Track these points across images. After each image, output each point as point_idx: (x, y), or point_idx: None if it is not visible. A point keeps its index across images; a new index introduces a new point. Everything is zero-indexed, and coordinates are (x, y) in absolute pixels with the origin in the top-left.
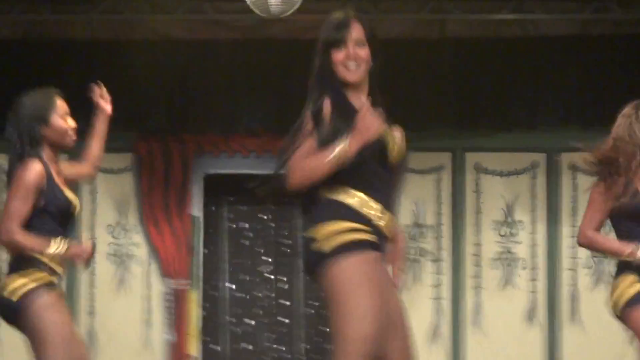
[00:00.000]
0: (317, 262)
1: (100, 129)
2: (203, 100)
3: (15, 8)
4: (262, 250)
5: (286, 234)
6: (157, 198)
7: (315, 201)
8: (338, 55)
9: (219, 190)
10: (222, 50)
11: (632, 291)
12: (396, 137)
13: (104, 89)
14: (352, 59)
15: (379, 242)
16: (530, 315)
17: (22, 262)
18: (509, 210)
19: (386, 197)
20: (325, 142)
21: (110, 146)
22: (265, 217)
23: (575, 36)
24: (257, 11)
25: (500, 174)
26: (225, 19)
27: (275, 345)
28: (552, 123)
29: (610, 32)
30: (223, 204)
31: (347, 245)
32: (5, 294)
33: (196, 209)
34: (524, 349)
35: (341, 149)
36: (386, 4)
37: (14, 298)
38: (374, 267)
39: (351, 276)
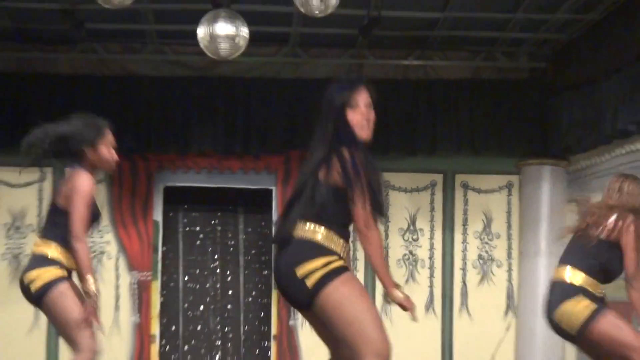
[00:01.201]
0: (307, 296)
1: None
2: (164, 126)
3: (7, 46)
4: (210, 249)
5: (230, 235)
6: (125, 205)
7: (289, 239)
8: (355, 116)
9: (176, 199)
10: (180, 85)
11: (587, 312)
12: None
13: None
14: (366, 120)
15: (346, 264)
16: (429, 306)
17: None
18: (412, 220)
19: (347, 231)
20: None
21: None
22: (213, 221)
23: (467, 79)
24: (209, 53)
25: (405, 190)
26: (182, 59)
27: (220, 327)
28: (448, 149)
29: (496, 77)
30: (179, 211)
31: (328, 275)
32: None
33: (157, 215)
34: (424, 334)
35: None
36: (315, 50)
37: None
38: (355, 281)
39: (343, 294)
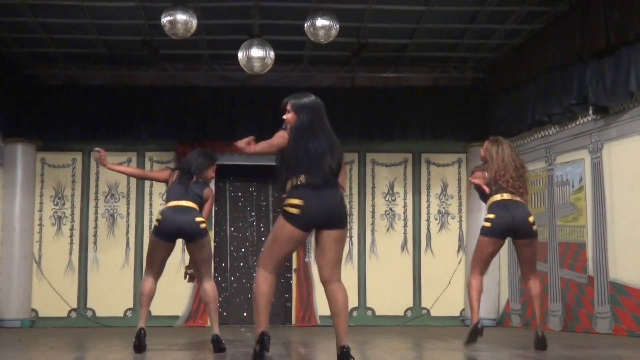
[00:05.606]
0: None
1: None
2: (215, 121)
3: (105, 66)
4: (249, 208)
5: (262, 199)
6: None
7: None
8: None
9: (224, 173)
10: (226, 92)
11: (485, 223)
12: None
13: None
14: None
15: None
16: (403, 247)
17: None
18: (391, 186)
19: None
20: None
21: (161, 147)
22: (250, 189)
23: (429, 86)
24: (246, 70)
25: (386, 165)
26: (228, 74)
27: (256, 263)
28: (415, 136)
29: (449, 85)
30: (227, 182)
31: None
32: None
33: (211, 184)
34: (401, 267)
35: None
36: (321, 67)
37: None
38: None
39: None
